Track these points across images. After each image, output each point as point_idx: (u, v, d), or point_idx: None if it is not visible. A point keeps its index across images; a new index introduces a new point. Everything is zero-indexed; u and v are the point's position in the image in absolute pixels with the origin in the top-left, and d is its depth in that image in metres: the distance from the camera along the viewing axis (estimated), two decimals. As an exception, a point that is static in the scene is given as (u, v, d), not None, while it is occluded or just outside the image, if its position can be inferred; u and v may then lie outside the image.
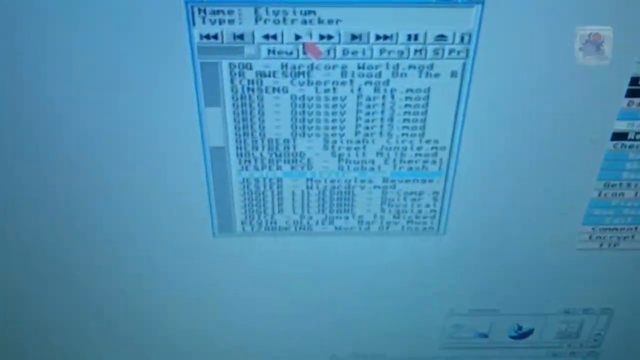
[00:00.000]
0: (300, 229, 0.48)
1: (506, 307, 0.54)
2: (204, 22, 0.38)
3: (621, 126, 0.43)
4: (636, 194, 0.47)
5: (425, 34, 0.39)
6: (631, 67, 0.41)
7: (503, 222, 0.48)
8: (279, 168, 0.45)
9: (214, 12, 0.37)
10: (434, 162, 0.45)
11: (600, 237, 0.49)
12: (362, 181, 0.46)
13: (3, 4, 0.37)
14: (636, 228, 0.49)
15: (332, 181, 0.46)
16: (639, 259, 0.51)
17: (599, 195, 0.47)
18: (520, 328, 0.55)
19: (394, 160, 0.44)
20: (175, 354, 0.56)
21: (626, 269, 0.51)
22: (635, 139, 0.44)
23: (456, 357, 0.58)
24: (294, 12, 0.38)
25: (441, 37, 0.39)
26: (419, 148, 0.44)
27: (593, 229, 0.49)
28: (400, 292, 0.52)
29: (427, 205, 0.47)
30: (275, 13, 0.38)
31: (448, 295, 0.53)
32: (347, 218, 0.48)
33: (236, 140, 0.43)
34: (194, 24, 0.38)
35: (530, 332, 0.56)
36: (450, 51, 0.40)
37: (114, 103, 0.41)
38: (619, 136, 0.44)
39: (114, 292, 0.52)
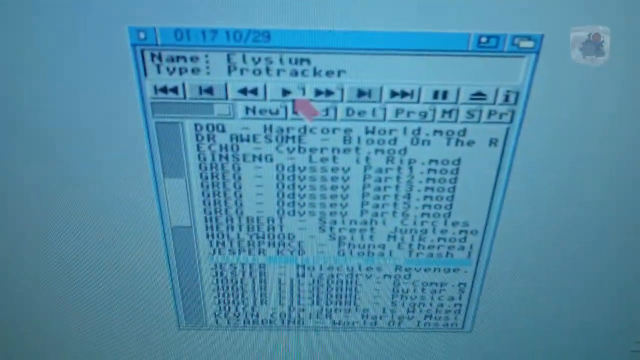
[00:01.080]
0: (289, 322, 0.38)
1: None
2: (159, 71, 0.28)
3: None
4: None
5: (458, 91, 0.29)
6: None
7: (544, 322, 0.38)
8: (261, 252, 0.35)
9: (172, 59, 0.28)
10: (462, 248, 0.35)
11: (667, 341, 0.39)
12: (369, 269, 0.36)
13: None
14: None
15: (329, 268, 0.36)
16: None
17: (670, 291, 0.37)
18: None
19: (410, 245, 0.35)
20: None
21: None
22: None
23: None
24: (281, 61, 0.28)
25: (478, 96, 0.29)
26: (442, 231, 0.34)
27: (659, 329, 0.39)
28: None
29: (451, 299, 0.37)
30: (256, 61, 0.28)
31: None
32: (348, 311, 0.38)
33: (205, 219, 0.33)
34: (145, 73, 0.28)
35: None
36: (490, 113, 0.30)
37: (60, 170, 0.31)
38: (702, 222, 0.33)
39: None
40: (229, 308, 0.38)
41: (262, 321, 0.38)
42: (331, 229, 0.34)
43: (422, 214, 0.33)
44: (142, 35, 0.27)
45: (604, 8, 0.27)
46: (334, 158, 0.31)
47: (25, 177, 0.32)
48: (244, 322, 0.38)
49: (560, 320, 0.39)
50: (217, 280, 0.36)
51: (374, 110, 0.30)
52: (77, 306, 0.37)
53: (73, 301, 0.37)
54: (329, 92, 0.29)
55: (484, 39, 0.28)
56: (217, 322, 0.38)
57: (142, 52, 0.27)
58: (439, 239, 0.34)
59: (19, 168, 0.31)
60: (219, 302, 0.37)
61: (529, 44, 0.28)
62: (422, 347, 0.40)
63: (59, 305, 0.37)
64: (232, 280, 0.36)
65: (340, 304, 0.37)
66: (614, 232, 0.34)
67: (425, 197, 0.33)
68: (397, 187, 0.32)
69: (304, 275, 0.36)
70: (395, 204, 0.33)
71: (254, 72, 0.28)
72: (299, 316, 0.38)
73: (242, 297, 0.37)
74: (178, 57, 0.28)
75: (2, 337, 0.39)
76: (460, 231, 0.34)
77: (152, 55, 0.28)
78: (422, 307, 0.38)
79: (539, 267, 0.36)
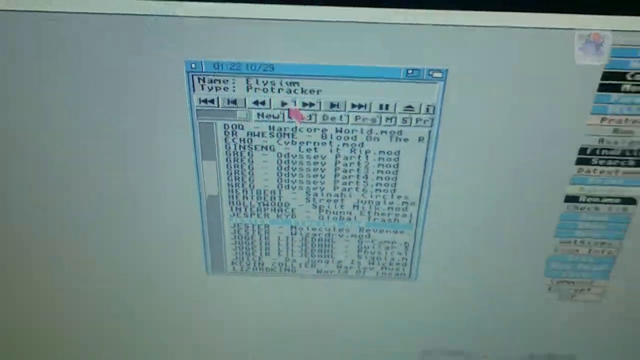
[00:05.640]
0: (285, 270, 0.53)
1: (475, 349, 0.58)
2: (202, 89, 0.44)
3: (573, 190, 0.48)
4: (589, 250, 0.51)
5: (395, 105, 0.44)
6: (580, 137, 0.46)
7: (470, 272, 0.53)
8: (266, 216, 0.50)
9: (211, 81, 0.43)
10: (405, 215, 0.50)
11: (558, 290, 0.54)
12: (340, 230, 0.51)
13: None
14: (591, 282, 0.53)
15: (313, 229, 0.51)
16: (596, 310, 0.55)
17: (555, 251, 0.51)
18: (488, 370, 0.60)
19: (369, 212, 0.50)
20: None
21: (585, 318, 0.56)
22: (585, 202, 0.49)
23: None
24: (281, 83, 0.44)
25: (409, 108, 0.45)
26: (390, 203, 0.49)
27: (552, 281, 0.53)
28: (376, 331, 0.57)
29: (399, 254, 0.52)
30: (264, 83, 0.44)
31: (421, 336, 0.57)
32: (327, 262, 0.53)
33: (229, 190, 0.49)
34: (194, 90, 0.44)
35: (498, 375, 0.60)
36: (417, 120, 0.45)
37: (123, 154, 0.47)
38: (571, 199, 0.49)
39: (116, 316, 0.58)
40: (243, 258, 0.53)
41: (266, 269, 0.54)
42: (314, 199, 0.49)
43: (376, 190, 0.49)
44: (193, 66, 0.43)
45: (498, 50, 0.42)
46: (315, 149, 0.47)
47: (93, 156, 0.47)
48: (253, 269, 0.54)
49: (483, 273, 0.53)
50: (234, 236, 0.51)
51: (341, 117, 0.45)
52: (130, 250, 0.52)
53: (129, 245, 0.52)
54: (311, 104, 0.45)
55: (410, 71, 0.43)
56: (234, 268, 0.54)
57: (193, 76, 0.43)
58: (388, 208, 0.50)
59: (91, 155, 0.47)
60: (236, 253, 0.53)
61: (439, 75, 0.43)
62: (382, 292, 0.55)
63: (109, 251, 0.53)
64: (245, 237, 0.52)
65: (322, 256, 0.53)
66: (523, 205, 0.49)
67: (377, 178, 0.48)
68: (358, 170, 0.48)
69: (295, 234, 0.51)
70: (357, 182, 0.48)
71: (263, 90, 0.44)
72: (292, 265, 0.53)
73: (252, 250, 0.52)
74: (215, 80, 0.44)
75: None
76: (403, 202, 0.49)
77: (199, 78, 0.43)
78: (379, 261, 0.53)
79: (464, 231, 0.51)
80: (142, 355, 0.60)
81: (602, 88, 0.43)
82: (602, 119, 0.45)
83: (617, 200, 0.49)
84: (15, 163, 0.47)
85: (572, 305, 0.55)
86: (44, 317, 0.57)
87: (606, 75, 0.43)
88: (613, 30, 0.41)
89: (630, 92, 0.43)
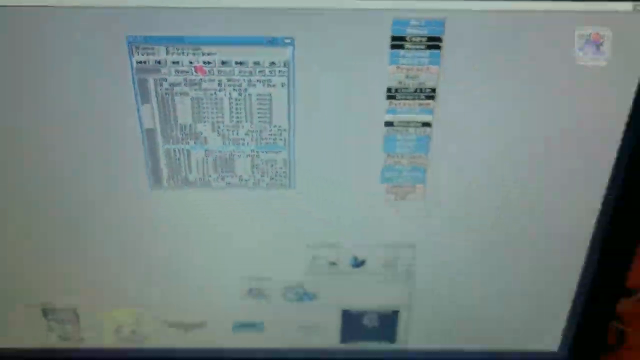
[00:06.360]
0: (203, 184, 0.78)
1: (344, 241, 0.82)
2: (138, 54, 0.68)
3: (389, 118, 0.73)
4: (408, 162, 0.76)
5: (264, 61, 0.69)
6: (386, 81, 0.71)
7: (328, 180, 0.77)
8: (187, 143, 0.74)
9: (144, 48, 0.68)
10: (281, 139, 0.74)
11: (393, 193, 0.78)
12: (238, 152, 0.75)
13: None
14: (414, 186, 0.78)
15: (219, 152, 0.75)
16: (423, 206, 0.79)
17: (385, 163, 0.76)
18: (356, 259, 0.84)
19: (256, 138, 0.74)
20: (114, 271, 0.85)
21: (417, 214, 0.80)
22: (399, 126, 0.74)
23: (319, 281, 0.86)
24: (188, 49, 0.68)
25: (273, 64, 0.69)
26: (270, 130, 0.73)
27: (387, 186, 0.78)
28: (270, 229, 0.81)
29: (281, 168, 0.76)
30: (177, 49, 0.68)
31: (303, 233, 0.81)
32: (232, 177, 0.77)
33: (160, 125, 0.73)
34: (133, 55, 0.68)
35: (363, 262, 0.84)
36: (279, 72, 0.69)
37: (85, 102, 0.71)
38: (388, 124, 0.73)
39: (75, 231, 0.75)
40: (173, 176, 0.77)
41: (190, 183, 0.78)
42: (218, 129, 0.74)
43: (259, 121, 0.73)
44: (131, 39, 0.68)
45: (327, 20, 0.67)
46: (215, 94, 0.71)
47: (59, 102, 0.72)
48: (181, 184, 0.78)
49: (341, 180, 0.78)
50: (167, 159, 0.75)
51: (229, 71, 0.70)
52: (87, 174, 0.76)
53: (86, 171, 0.75)
54: (209, 63, 0.69)
55: (270, 39, 0.68)
56: (168, 184, 0.78)
57: (131, 45, 0.68)
58: (269, 135, 0.73)
59: (58, 103, 0.71)
60: (168, 172, 0.76)
61: (289, 41, 0.68)
62: (275, 200, 0.79)
63: (73, 174, 0.77)
64: (174, 159, 0.76)
65: (228, 172, 0.76)
66: (358, 128, 0.74)
67: (258, 113, 0.72)
68: (245, 108, 0.72)
69: (208, 157, 0.75)
70: (245, 116, 0.72)
71: (177, 54, 0.68)
72: (208, 180, 0.77)
73: (179, 169, 0.76)
74: (145, 48, 0.68)
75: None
76: (278, 130, 0.73)
77: (136, 47, 0.68)
78: (267, 174, 0.77)
79: (323, 149, 0.75)
80: (102, 263, 0.84)
81: (393, 46, 0.68)
82: (397, 68, 0.69)
83: (419, 124, 0.73)
84: None
85: (406, 204, 0.79)
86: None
87: (394, 38, 0.68)
88: (390, 9, 0.66)
89: (410, 49, 0.68)
